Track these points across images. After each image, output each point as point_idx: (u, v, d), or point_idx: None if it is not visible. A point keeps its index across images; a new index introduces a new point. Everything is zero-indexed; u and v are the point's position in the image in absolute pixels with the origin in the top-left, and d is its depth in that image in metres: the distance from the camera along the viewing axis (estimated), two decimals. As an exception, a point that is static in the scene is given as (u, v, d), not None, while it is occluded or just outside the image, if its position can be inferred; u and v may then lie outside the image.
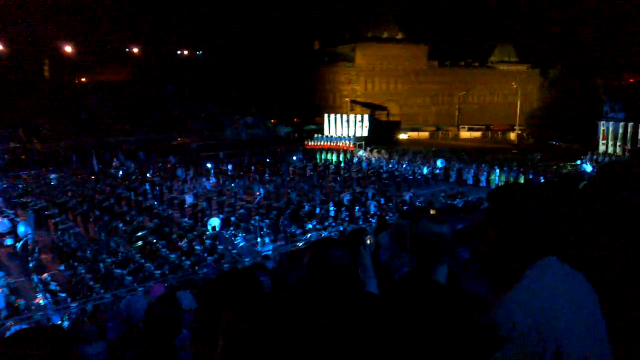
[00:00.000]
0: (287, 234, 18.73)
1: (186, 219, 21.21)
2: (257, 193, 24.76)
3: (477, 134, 65.26)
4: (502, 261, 1.68)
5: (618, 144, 35.70)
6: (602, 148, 36.99)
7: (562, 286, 1.58)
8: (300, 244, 17.22)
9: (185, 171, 31.66)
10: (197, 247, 16.74)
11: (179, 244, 17.18)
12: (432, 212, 9.93)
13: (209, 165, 33.58)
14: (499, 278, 1.67)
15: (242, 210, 21.54)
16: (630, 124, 35.23)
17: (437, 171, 32.33)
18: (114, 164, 35.14)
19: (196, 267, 15.39)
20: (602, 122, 37.55)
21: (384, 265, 3.81)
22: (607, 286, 1.72)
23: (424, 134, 63.30)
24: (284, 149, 43.08)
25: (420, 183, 30.02)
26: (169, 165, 35.12)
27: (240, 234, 19.02)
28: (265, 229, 18.90)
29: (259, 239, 17.93)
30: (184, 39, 64.02)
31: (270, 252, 15.73)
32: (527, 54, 79.84)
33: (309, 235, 18.23)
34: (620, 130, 35.70)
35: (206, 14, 69.93)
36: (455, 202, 22.05)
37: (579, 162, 33.32)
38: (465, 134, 65.09)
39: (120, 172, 32.50)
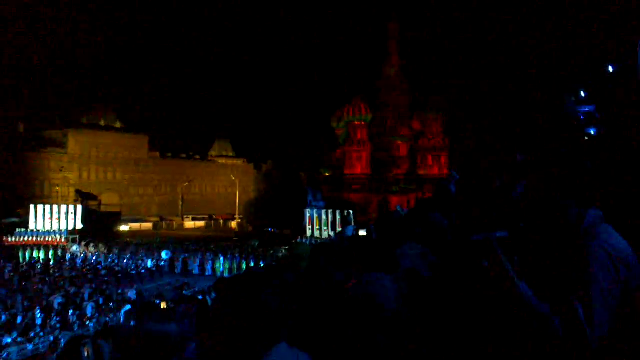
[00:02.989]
0: (-26, 355, 14.99)
1: None
2: None
3: (201, 223, 66.61)
4: (233, 352, 1.64)
5: (323, 228, 41.24)
6: (309, 232, 42.03)
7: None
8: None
9: None
10: None
11: None
12: (163, 305, 9.43)
13: None
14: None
15: None
16: (329, 211, 41.40)
17: (162, 263, 31.42)
18: None
19: None
20: (307, 210, 43.03)
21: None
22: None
23: (147, 225, 61.31)
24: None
25: (144, 277, 28.51)
26: None
27: None
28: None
29: None
30: None
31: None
32: (243, 150, 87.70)
33: (7, 352, 14.96)
34: (324, 217, 41.47)
35: None
36: (183, 294, 21.50)
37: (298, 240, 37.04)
38: (189, 223, 65.65)
39: None
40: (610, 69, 17.65)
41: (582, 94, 20.36)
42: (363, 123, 53.62)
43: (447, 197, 4.00)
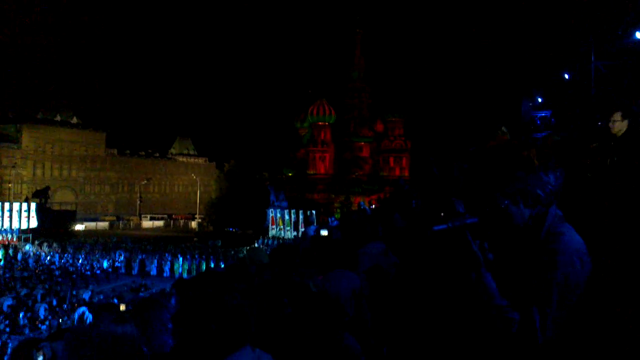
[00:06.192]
0: None
1: None
2: None
3: (160, 223, 65.29)
4: (197, 355, 1.62)
5: (286, 228, 41.10)
6: (272, 232, 41.82)
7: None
8: None
9: None
10: None
11: None
12: (122, 307, 9.18)
13: None
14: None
15: None
16: (292, 211, 41.28)
17: (118, 264, 30.64)
18: None
19: None
20: (270, 210, 42.80)
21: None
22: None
23: (104, 224, 59.68)
24: None
25: (100, 278, 27.72)
26: None
27: None
28: None
29: None
30: None
31: None
32: (205, 148, 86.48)
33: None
34: (287, 217, 41.33)
35: None
36: (140, 296, 21.01)
37: (255, 246, 36.72)
38: (147, 223, 64.27)
39: None
40: (566, 76, 18.32)
41: (539, 99, 21.09)
42: (327, 124, 53.78)
43: (404, 197, 4.07)
